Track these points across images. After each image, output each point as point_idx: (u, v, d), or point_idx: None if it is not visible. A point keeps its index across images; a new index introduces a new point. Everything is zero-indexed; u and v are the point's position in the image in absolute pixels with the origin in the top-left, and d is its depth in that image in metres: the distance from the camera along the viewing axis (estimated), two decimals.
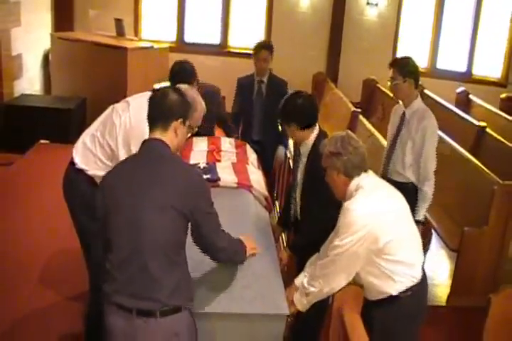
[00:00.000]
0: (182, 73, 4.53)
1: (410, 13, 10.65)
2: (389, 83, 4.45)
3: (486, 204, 4.99)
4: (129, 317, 2.53)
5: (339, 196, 3.09)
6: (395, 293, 2.99)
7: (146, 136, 2.85)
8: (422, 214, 4.39)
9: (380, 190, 3.04)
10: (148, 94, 3.51)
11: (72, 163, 3.52)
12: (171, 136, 2.68)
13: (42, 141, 7.01)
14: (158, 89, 2.84)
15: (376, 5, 10.37)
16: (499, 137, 6.84)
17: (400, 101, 4.56)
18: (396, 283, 2.97)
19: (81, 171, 3.47)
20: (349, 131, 3.12)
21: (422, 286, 3.09)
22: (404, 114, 4.48)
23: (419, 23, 10.74)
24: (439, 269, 5.72)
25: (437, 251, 5.92)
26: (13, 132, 7.03)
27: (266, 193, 4.05)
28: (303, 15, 10.34)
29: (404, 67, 4.36)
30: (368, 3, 10.38)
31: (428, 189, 4.40)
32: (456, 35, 10.80)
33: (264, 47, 5.49)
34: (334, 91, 9.07)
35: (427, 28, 10.70)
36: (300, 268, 3.37)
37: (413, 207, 4.13)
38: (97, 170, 3.43)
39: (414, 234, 3.10)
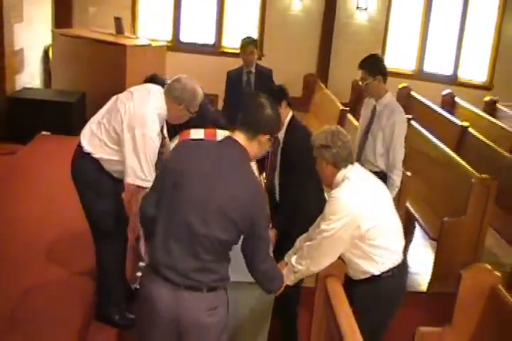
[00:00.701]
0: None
1: (398, 17, 10.95)
2: (360, 83, 4.75)
3: (465, 195, 5.31)
4: (175, 289, 2.69)
5: (327, 184, 3.39)
6: (377, 272, 3.25)
7: (149, 123, 3.15)
8: None
9: (365, 181, 3.31)
10: (148, 86, 3.85)
11: (79, 146, 3.79)
12: (254, 146, 2.79)
13: (43, 133, 7.21)
14: (254, 96, 2.92)
15: (365, 9, 10.68)
16: (481, 137, 7.16)
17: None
18: (378, 264, 3.24)
19: (88, 154, 3.73)
20: (339, 126, 3.40)
21: (402, 269, 3.36)
22: (375, 107, 4.77)
23: (407, 27, 11.03)
24: (421, 258, 5.98)
25: (419, 241, 6.23)
26: (15, 124, 7.24)
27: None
28: (295, 17, 10.64)
29: (372, 67, 4.66)
30: (357, 8, 10.67)
31: (396, 177, 4.69)
32: (443, 39, 11.10)
33: (251, 43, 6.30)
34: (324, 92, 9.34)
35: (415, 32, 10.99)
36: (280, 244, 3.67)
37: None
38: (103, 153, 3.70)
39: (396, 222, 3.37)
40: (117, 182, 3.80)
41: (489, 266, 3.54)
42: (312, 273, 3.32)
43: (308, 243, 3.29)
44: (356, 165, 3.36)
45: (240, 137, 2.76)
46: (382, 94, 4.75)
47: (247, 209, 2.68)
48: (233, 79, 6.33)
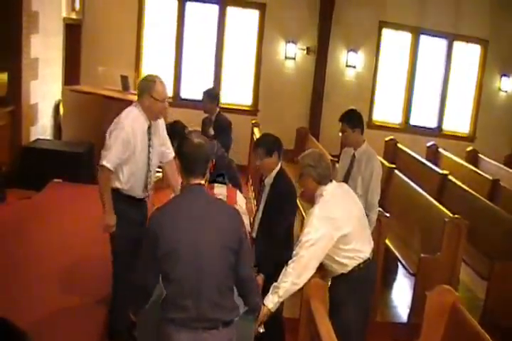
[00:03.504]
0: None
1: (385, 73, 11.58)
2: (340, 134, 5.31)
3: (439, 234, 5.83)
4: (195, 332, 2.99)
5: (307, 198, 4.13)
6: (345, 272, 3.97)
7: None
8: None
9: (337, 197, 4.00)
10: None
11: None
12: (206, 176, 3.23)
13: (55, 180, 7.72)
14: (186, 140, 3.20)
15: (354, 67, 11.31)
16: (460, 183, 7.75)
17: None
18: (347, 266, 3.97)
19: None
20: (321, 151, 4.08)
21: (369, 264, 4.04)
22: (354, 155, 5.33)
23: (393, 83, 11.65)
24: (401, 292, 6.49)
25: (400, 277, 6.72)
26: (29, 172, 7.76)
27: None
28: (288, 75, 11.24)
29: (351, 120, 5.27)
30: (347, 66, 11.30)
31: (374, 215, 5.27)
32: (428, 94, 11.72)
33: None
34: (315, 144, 9.93)
35: (401, 87, 11.61)
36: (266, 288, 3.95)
37: None
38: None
39: (365, 227, 4.14)
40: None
41: (450, 287, 4.04)
42: (295, 289, 3.82)
43: (289, 262, 3.83)
44: (333, 181, 4.08)
45: (196, 180, 3.11)
46: (360, 144, 5.32)
47: (234, 234, 3.10)
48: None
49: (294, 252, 3.88)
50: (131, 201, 4.43)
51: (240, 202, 5.25)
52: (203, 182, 3.15)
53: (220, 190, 4.74)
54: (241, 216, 3.27)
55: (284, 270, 3.86)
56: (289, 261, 3.85)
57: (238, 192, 5.28)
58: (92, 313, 4.68)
